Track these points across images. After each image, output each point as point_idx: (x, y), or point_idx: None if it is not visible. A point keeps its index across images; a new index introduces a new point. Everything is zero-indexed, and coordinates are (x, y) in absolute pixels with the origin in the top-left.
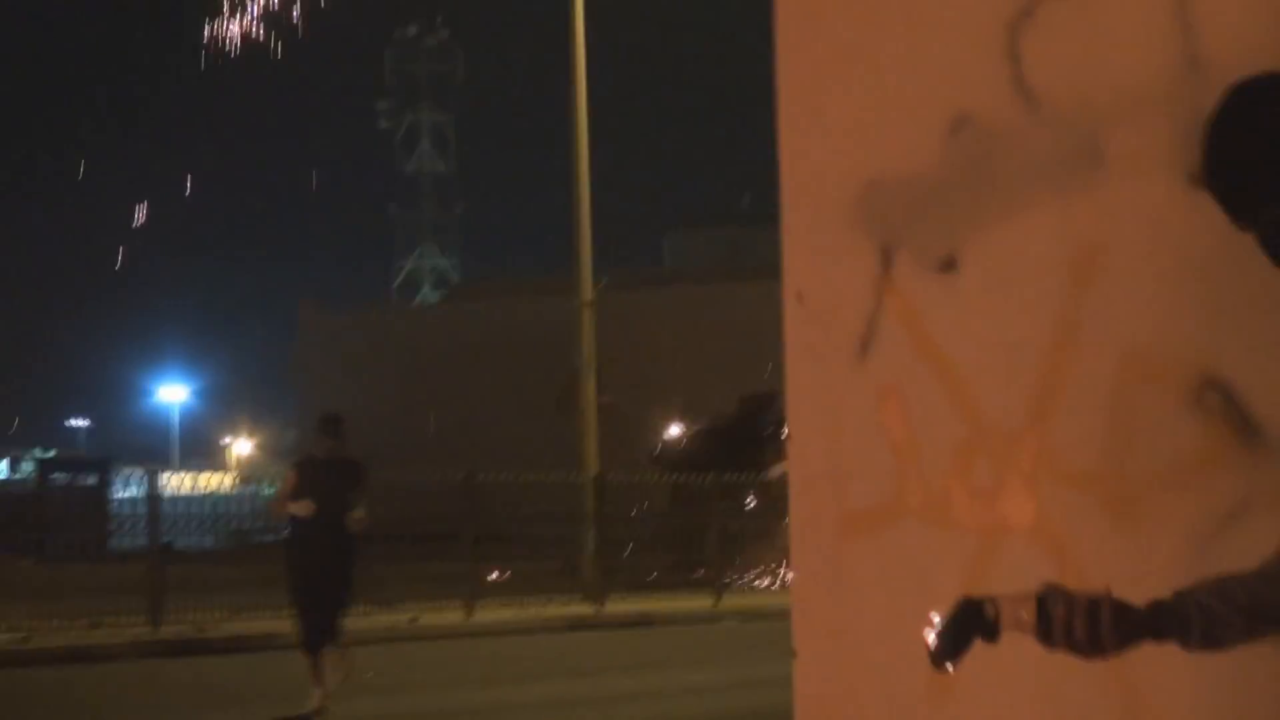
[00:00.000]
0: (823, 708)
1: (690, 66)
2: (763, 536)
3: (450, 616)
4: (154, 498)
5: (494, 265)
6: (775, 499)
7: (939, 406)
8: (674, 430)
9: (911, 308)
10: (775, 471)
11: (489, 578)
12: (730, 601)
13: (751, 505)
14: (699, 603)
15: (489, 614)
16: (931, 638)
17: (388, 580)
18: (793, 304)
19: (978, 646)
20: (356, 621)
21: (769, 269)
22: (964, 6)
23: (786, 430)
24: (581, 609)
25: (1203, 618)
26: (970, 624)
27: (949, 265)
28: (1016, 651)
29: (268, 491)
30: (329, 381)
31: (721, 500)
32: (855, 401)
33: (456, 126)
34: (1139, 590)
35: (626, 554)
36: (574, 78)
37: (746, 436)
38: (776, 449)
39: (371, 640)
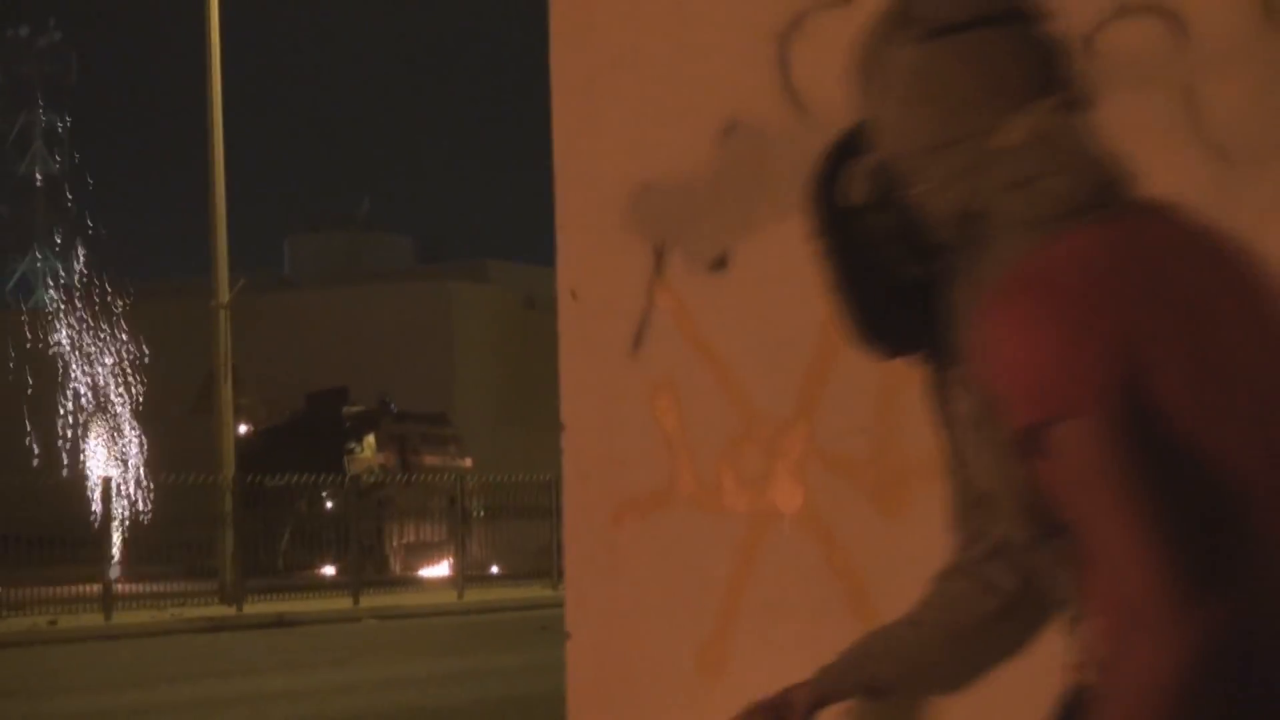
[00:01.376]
0: (597, 688)
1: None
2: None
3: (90, 619)
4: None
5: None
6: (360, 494)
7: (711, 399)
8: (241, 429)
9: (683, 305)
10: (359, 465)
11: (114, 579)
12: (369, 601)
13: (330, 504)
14: (338, 603)
15: (128, 616)
16: None
17: (15, 583)
18: (567, 300)
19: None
20: None
21: (388, 273)
22: (733, 15)
23: (563, 422)
24: (220, 610)
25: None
26: None
27: (720, 265)
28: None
29: None
30: None
31: (297, 498)
32: (629, 395)
33: (72, 129)
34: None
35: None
36: (210, 85)
37: (321, 433)
38: (356, 445)
39: (10, 644)
